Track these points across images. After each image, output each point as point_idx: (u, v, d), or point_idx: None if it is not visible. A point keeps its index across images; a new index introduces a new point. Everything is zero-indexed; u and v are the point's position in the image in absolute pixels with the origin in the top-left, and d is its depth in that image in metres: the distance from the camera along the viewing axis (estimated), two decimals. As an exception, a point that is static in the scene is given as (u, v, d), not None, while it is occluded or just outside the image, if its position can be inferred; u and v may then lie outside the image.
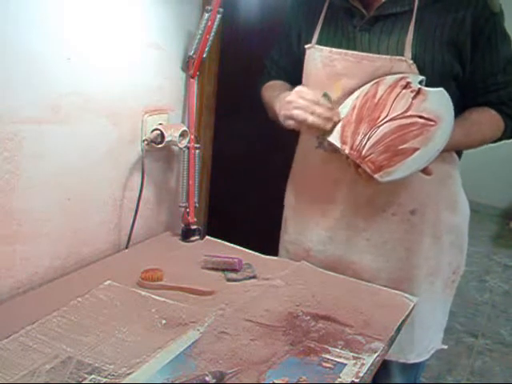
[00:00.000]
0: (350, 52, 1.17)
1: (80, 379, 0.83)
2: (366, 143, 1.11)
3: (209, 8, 1.29)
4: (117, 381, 0.83)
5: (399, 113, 1.09)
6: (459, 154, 1.29)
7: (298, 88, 1.17)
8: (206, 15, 1.30)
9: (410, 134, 1.08)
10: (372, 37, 1.17)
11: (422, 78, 1.12)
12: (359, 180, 1.20)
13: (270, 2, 1.86)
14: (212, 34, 1.33)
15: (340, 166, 1.22)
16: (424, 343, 1.33)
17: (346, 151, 1.13)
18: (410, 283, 1.24)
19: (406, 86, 1.11)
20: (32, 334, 0.93)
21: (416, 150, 1.08)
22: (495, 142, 1.27)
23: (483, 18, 1.13)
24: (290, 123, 1.16)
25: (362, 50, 1.17)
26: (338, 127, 1.15)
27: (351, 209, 1.25)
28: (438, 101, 1.10)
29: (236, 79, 1.85)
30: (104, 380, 0.83)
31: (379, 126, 1.10)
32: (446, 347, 1.40)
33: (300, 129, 1.18)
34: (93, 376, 0.84)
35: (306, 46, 1.23)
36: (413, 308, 1.13)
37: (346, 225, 1.26)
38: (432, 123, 1.08)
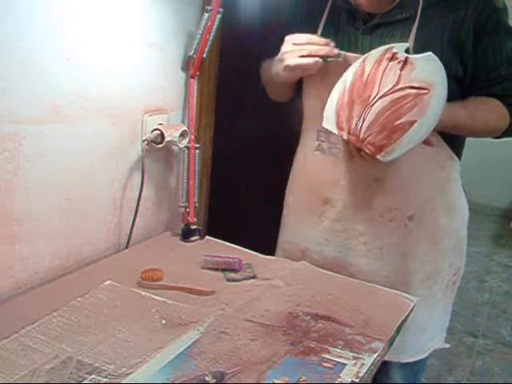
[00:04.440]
0: (350, 55, 1.17)
1: (80, 379, 0.83)
2: (361, 125, 1.07)
3: (209, 8, 1.29)
4: (117, 381, 0.83)
5: (389, 87, 1.06)
6: (459, 155, 1.29)
7: (288, 37, 1.17)
8: (206, 15, 1.30)
9: (404, 107, 1.05)
10: (374, 40, 1.17)
11: (407, 45, 1.10)
12: (356, 183, 1.20)
13: (270, 2, 1.86)
14: (212, 34, 1.33)
15: (338, 169, 1.22)
16: (419, 344, 1.33)
17: (345, 137, 1.11)
18: (405, 287, 1.24)
19: (393, 57, 1.08)
20: (32, 334, 0.93)
21: (413, 122, 1.04)
22: (501, 136, 1.25)
23: (485, 14, 1.13)
24: (293, 74, 1.16)
25: (363, 53, 1.17)
26: (333, 113, 1.13)
27: (349, 212, 1.25)
28: (427, 66, 1.07)
29: (236, 79, 1.84)
30: (104, 380, 0.83)
31: (372, 105, 1.07)
32: (448, 346, 1.40)
33: (304, 74, 1.18)
34: (93, 376, 0.84)
35: None
36: (413, 308, 1.13)
37: (343, 227, 1.26)
38: (425, 91, 1.05)
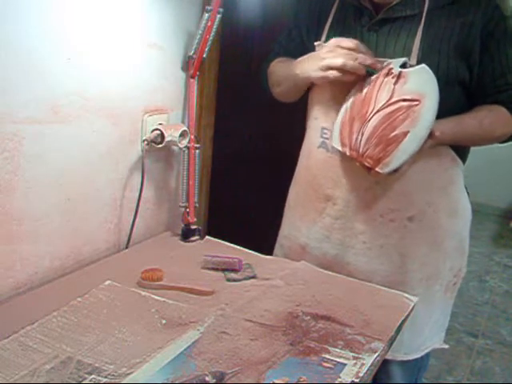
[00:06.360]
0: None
1: (80, 379, 0.83)
2: (360, 140, 1.12)
3: (209, 8, 1.29)
4: (117, 381, 0.83)
5: (384, 102, 1.10)
6: (463, 158, 1.28)
7: (334, 39, 1.16)
8: (206, 15, 1.30)
9: (398, 119, 1.08)
10: (379, 38, 1.18)
11: (403, 60, 1.12)
12: (358, 183, 1.21)
13: (270, 2, 1.87)
14: (212, 34, 1.33)
15: (340, 166, 1.23)
16: (416, 342, 1.32)
17: (348, 153, 1.15)
18: (403, 287, 1.23)
19: (388, 73, 1.11)
20: (32, 334, 0.93)
21: (406, 133, 1.08)
22: (505, 142, 1.26)
23: (493, 22, 1.13)
24: (329, 74, 1.14)
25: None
26: (337, 131, 1.17)
27: (349, 211, 1.25)
28: (419, 79, 1.10)
29: (236, 79, 1.85)
30: (104, 380, 0.83)
31: (369, 120, 1.11)
32: (447, 347, 1.40)
33: (341, 79, 1.14)
34: (93, 376, 0.84)
35: (316, 43, 1.23)
36: (413, 308, 1.13)
37: (343, 225, 1.26)
38: (416, 103, 1.08)
